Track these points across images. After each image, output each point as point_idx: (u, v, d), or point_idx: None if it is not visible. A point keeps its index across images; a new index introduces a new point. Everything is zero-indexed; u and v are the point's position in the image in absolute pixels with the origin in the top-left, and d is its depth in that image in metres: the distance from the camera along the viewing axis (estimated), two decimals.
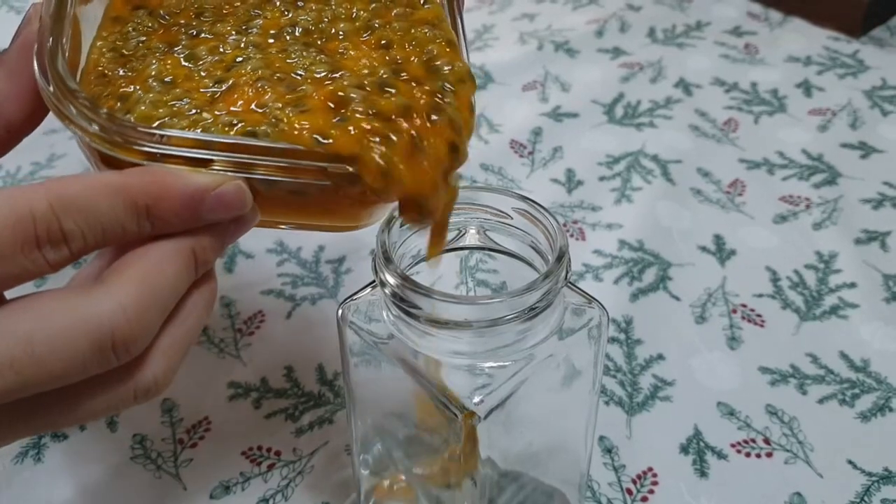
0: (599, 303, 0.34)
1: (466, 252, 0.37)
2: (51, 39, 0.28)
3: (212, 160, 0.27)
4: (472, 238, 0.36)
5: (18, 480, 0.43)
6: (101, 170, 0.28)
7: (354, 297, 0.34)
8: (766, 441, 0.44)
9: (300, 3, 0.33)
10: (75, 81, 0.27)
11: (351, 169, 0.27)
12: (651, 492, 0.42)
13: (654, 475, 0.43)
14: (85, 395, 0.26)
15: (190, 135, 0.27)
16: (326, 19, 0.32)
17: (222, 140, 0.27)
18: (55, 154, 0.65)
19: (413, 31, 0.31)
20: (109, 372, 0.26)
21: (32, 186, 0.25)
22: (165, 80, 0.29)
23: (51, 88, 0.27)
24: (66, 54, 0.28)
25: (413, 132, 0.28)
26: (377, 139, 0.27)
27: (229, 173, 0.27)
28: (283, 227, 0.33)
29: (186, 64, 0.30)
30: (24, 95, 0.29)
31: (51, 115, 0.29)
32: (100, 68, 0.30)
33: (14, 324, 0.24)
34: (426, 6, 0.33)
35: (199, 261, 0.28)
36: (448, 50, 0.31)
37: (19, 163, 0.65)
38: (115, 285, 0.25)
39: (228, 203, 0.27)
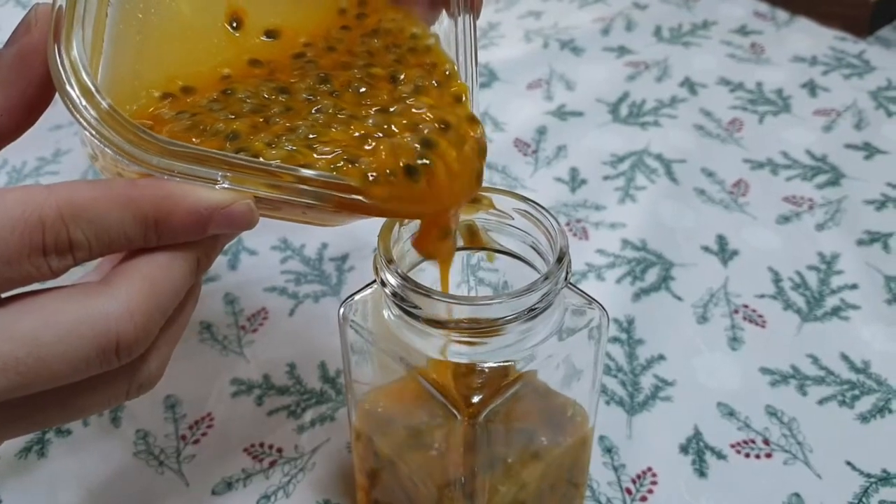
0: (600, 304, 0.35)
1: (467, 252, 0.37)
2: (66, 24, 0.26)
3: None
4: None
5: (22, 475, 0.43)
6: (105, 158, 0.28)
7: (356, 296, 0.35)
8: (766, 442, 0.45)
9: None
10: (87, 71, 0.27)
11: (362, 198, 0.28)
12: (650, 491, 0.42)
13: (654, 475, 0.43)
14: (81, 394, 0.26)
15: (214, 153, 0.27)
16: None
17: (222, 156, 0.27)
18: (60, 150, 0.66)
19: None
20: (108, 371, 0.26)
21: (41, 190, 0.24)
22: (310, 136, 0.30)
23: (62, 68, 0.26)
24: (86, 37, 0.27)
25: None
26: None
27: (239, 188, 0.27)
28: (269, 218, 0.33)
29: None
30: (16, 107, 0.28)
31: (54, 111, 0.29)
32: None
33: (18, 324, 0.24)
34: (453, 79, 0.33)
35: (201, 267, 0.28)
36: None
37: (25, 158, 0.65)
38: (122, 288, 0.25)
39: (236, 221, 0.27)
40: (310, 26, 0.34)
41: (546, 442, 0.37)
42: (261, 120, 0.29)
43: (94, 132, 0.26)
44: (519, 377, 0.32)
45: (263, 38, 0.33)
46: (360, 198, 0.28)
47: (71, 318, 0.24)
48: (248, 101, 0.30)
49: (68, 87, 0.26)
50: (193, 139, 0.28)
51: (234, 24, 0.33)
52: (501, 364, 0.32)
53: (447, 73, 0.33)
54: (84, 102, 0.26)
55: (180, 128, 0.29)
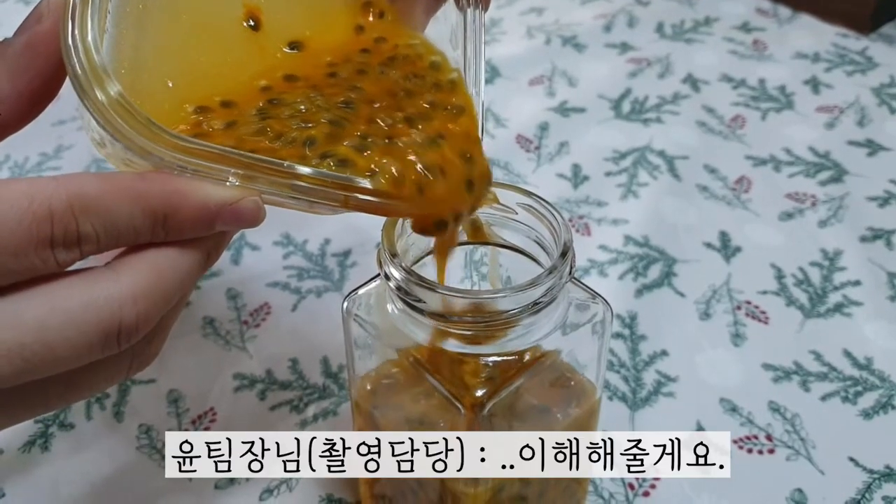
0: (603, 298, 0.35)
1: (471, 246, 0.37)
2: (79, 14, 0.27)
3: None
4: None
5: (25, 469, 0.43)
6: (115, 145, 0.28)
7: (359, 290, 0.35)
8: (769, 437, 0.45)
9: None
10: (101, 56, 0.26)
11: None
12: (653, 486, 0.42)
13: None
14: (81, 377, 0.26)
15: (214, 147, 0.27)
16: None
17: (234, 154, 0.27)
18: (63, 145, 0.66)
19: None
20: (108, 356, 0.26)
21: (49, 182, 0.24)
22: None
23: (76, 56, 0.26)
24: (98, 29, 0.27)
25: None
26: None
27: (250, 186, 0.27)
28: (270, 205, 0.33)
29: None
30: (22, 96, 0.27)
31: (56, 107, 0.29)
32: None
33: (25, 310, 0.24)
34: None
35: (209, 260, 0.28)
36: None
37: (27, 153, 0.65)
38: (127, 274, 0.25)
39: (244, 217, 0.27)
40: (328, 39, 0.34)
41: (553, 418, 0.37)
42: (339, 129, 0.29)
43: (104, 123, 0.26)
44: (524, 367, 0.32)
45: (287, 50, 0.33)
46: (374, 199, 0.28)
47: (76, 303, 0.24)
48: (318, 111, 0.30)
49: (80, 72, 0.26)
50: (269, 145, 0.28)
51: (253, 23, 0.32)
52: (505, 358, 0.32)
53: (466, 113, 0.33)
54: (97, 90, 0.26)
55: (248, 132, 0.28)
